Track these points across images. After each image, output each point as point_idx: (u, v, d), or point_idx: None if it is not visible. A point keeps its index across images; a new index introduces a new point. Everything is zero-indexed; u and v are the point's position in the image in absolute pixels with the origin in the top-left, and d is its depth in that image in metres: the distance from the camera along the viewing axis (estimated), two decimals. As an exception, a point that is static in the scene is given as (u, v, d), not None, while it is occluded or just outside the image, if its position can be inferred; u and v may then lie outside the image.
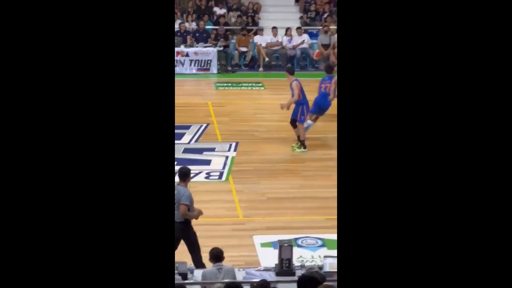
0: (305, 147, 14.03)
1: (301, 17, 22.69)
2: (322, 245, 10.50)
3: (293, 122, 14.10)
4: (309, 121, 14.37)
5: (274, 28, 21.29)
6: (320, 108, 14.68)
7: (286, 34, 21.33)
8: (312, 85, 15.52)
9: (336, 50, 21.02)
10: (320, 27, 21.88)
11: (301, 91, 13.83)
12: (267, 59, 20.88)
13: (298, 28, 21.60)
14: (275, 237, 10.02)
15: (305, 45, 21.23)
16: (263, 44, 21.06)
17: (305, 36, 21.39)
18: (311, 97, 14.63)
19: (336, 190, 5.09)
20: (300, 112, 13.88)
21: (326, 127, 14.90)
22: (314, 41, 21.61)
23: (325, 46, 21.27)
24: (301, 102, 13.85)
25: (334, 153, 13.81)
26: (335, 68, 14.70)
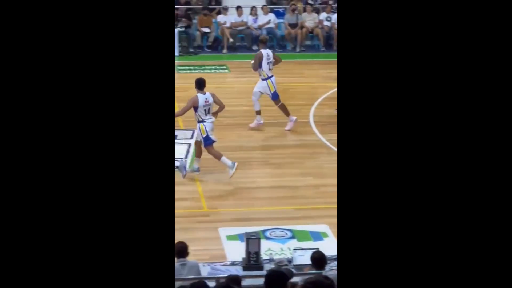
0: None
1: (267, -5, 22.69)
2: (292, 237, 10.52)
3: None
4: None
5: (238, 7, 21.25)
6: None
7: (251, 14, 21.30)
8: (280, 67, 15.50)
9: (304, 30, 21.04)
10: (287, 6, 21.87)
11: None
12: (231, 40, 20.84)
13: (263, 6, 21.58)
14: (241, 229, 10.05)
15: (271, 25, 21.23)
16: (227, 24, 21.01)
17: (271, 16, 21.39)
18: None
19: (336, 186, 5.16)
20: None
21: (296, 112, 14.92)
22: (281, 20, 21.61)
23: (292, 26, 21.28)
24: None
25: (304, 139, 14.01)
26: None
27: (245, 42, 21.26)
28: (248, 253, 8.33)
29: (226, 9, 21.51)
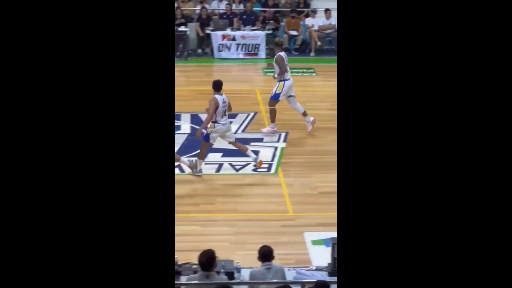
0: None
1: (355, -2, 22.49)
2: (378, 243, 10.42)
3: None
4: None
5: (327, 10, 21.17)
6: None
7: (339, 16, 21.16)
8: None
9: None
10: (376, 9, 21.66)
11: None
12: (319, 43, 20.79)
13: (352, 9, 21.42)
14: (327, 234, 9.98)
15: (360, 28, 21.06)
16: (315, 27, 20.97)
17: (360, 19, 21.21)
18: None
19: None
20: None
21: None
22: (370, 23, 21.42)
23: (382, 29, 21.07)
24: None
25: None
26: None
27: (333, 45, 21.16)
28: (334, 258, 8.27)
29: (314, 12, 21.47)
